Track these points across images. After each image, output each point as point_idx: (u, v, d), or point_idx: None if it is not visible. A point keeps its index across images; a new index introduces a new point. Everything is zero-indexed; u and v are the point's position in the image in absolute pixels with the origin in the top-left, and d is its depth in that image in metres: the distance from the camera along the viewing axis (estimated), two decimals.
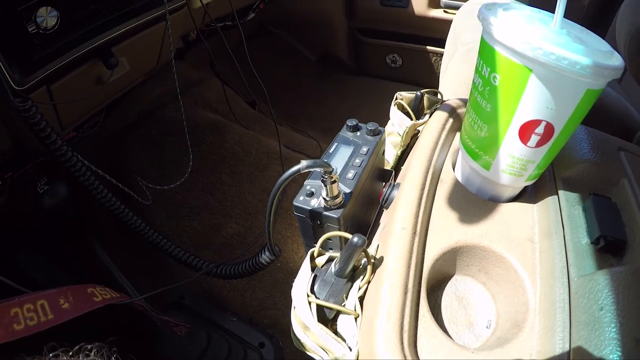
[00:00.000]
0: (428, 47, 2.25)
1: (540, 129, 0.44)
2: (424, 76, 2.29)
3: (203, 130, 1.73)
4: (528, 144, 0.46)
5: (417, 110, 0.71)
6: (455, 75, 1.21)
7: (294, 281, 0.48)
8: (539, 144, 0.45)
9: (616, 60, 0.41)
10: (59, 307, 0.75)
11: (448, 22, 1.69)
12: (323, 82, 2.50)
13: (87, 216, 1.40)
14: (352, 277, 0.47)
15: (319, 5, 2.35)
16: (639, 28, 0.79)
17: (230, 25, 1.96)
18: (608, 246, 0.44)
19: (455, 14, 1.88)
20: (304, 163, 0.44)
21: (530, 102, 0.42)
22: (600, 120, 0.92)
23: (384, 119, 0.71)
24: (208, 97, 1.92)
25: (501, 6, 0.47)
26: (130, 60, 1.07)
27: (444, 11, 2.12)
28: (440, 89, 1.35)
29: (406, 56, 2.36)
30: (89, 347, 0.43)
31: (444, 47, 1.62)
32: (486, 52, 0.45)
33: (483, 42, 0.45)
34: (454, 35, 1.54)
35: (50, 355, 0.40)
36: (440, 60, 2.20)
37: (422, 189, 0.51)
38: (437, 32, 2.11)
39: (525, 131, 0.45)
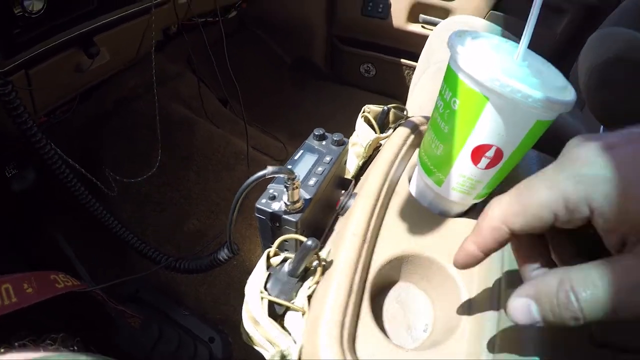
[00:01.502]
0: (402, 60, 2.31)
1: (490, 153, 0.47)
2: (396, 88, 2.34)
3: (175, 125, 1.73)
4: (478, 166, 0.49)
5: (382, 124, 0.74)
6: (424, 91, 1.25)
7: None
8: (489, 166, 0.49)
9: (569, 95, 0.44)
10: (23, 291, 0.76)
11: (424, 38, 1.74)
12: (297, 86, 2.54)
13: (52, 204, 1.39)
14: (304, 277, 0.50)
15: (301, 9, 2.39)
16: (599, 65, 0.82)
17: (211, 22, 1.97)
18: None
19: (432, 30, 1.94)
20: (269, 169, 0.46)
21: (484, 127, 0.45)
22: (554, 146, 0.96)
23: (352, 127, 0.74)
24: (183, 92, 1.93)
25: (470, 35, 0.49)
26: (110, 50, 1.08)
27: (422, 26, 2.18)
28: (408, 104, 1.39)
29: (380, 67, 2.41)
30: (55, 337, 0.45)
31: (417, 61, 1.66)
32: (450, 78, 0.48)
33: (449, 68, 0.48)
34: (428, 52, 1.58)
35: (16, 344, 0.42)
36: (413, 73, 2.26)
37: (377, 199, 0.54)
38: (413, 46, 2.15)
39: (476, 153, 0.48)
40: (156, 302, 1.34)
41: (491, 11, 2.02)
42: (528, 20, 0.46)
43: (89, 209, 1.00)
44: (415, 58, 1.71)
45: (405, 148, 0.64)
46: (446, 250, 0.51)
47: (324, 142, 0.62)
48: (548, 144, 0.64)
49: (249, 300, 0.48)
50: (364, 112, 0.73)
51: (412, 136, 0.66)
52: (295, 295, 0.48)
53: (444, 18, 2.05)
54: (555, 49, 1.96)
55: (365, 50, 2.40)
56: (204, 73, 2.06)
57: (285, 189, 0.50)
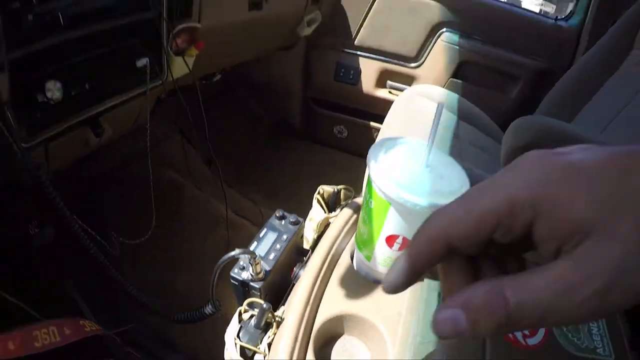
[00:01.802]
0: (371, 123, 2.48)
1: (399, 240, 0.63)
2: (365, 149, 2.39)
3: (164, 188, 1.88)
4: (393, 248, 0.65)
5: (334, 202, 0.92)
6: None
7: None
8: (400, 249, 0.64)
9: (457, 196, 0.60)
10: (64, 332, 0.97)
11: (391, 102, 1.91)
12: (276, 146, 2.71)
13: (65, 257, 1.56)
14: (266, 328, 0.67)
15: (280, 73, 2.56)
16: (512, 152, 0.99)
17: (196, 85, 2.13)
18: None
19: (398, 95, 2.09)
20: (237, 251, 0.65)
21: (390, 223, 0.62)
22: None
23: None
24: (171, 154, 2.09)
25: (388, 145, 0.65)
26: (112, 125, 1.24)
27: (389, 92, 2.36)
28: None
29: (351, 129, 2.57)
30: None
31: None
32: (369, 184, 0.63)
33: (369, 176, 0.63)
34: (390, 118, 1.76)
35: None
36: None
37: (319, 272, 0.72)
38: (381, 110, 2.23)
39: (389, 240, 0.64)
40: (154, 348, 1.51)
41: (450, 79, 2.22)
42: (430, 132, 0.60)
43: (99, 264, 1.17)
44: (383, 121, 1.86)
45: (347, 227, 0.82)
46: (378, 312, 0.68)
47: (283, 222, 0.81)
48: None
49: (227, 347, 0.66)
50: (318, 192, 0.91)
51: (355, 216, 0.85)
52: (260, 342, 0.66)
53: (409, 84, 2.28)
54: (510, 112, 2.12)
55: (338, 113, 2.56)
56: (189, 135, 2.22)
57: (250, 264, 0.68)
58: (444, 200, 0.53)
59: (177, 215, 1.88)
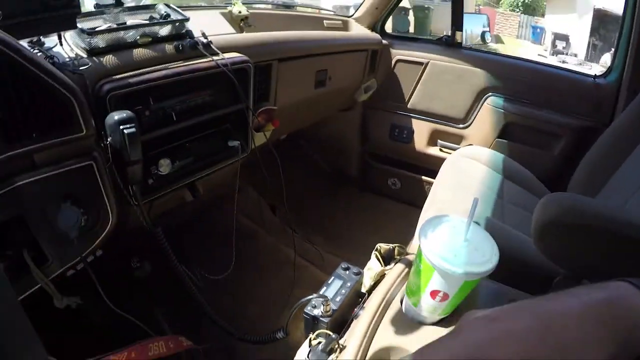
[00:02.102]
0: (423, 177, 2.63)
1: (441, 294, 0.80)
2: (418, 200, 2.48)
3: (241, 233, 2.07)
4: (435, 300, 0.82)
5: (389, 256, 1.10)
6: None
7: (295, 353, 0.89)
8: (442, 300, 0.82)
9: (487, 266, 0.74)
10: (169, 345, 1.20)
11: (442, 159, 2.07)
12: (336, 195, 2.91)
13: (157, 286, 1.80)
14: (330, 353, 0.85)
15: (340, 131, 2.79)
16: (539, 227, 1.07)
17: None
18: None
19: (450, 153, 2.26)
20: (314, 295, 0.86)
21: (434, 281, 0.79)
22: (522, 270, 1.27)
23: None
24: (246, 204, 2.34)
25: (435, 223, 0.82)
26: (204, 186, 1.50)
27: (440, 149, 2.51)
28: (420, 220, 1.67)
29: (404, 182, 2.74)
30: None
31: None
32: (419, 251, 0.81)
33: (419, 247, 0.81)
34: (442, 176, 1.91)
35: None
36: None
37: (376, 311, 0.90)
38: (433, 165, 2.43)
39: (433, 294, 0.81)
40: None
41: (497, 139, 2.35)
42: (468, 218, 0.79)
43: (185, 293, 1.40)
44: (434, 175, 2.02)
45: (399, 279, 1.00)
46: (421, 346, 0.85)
47: (347, 272, 1.00)
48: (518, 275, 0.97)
49: None
50: (376, 249, 1.09)
51: (406, 270, 1.03)
52: None
53: (458, 143, 2.44)
54: (554, 169, 2.24)
55: (392, 167, 2.74)
56: (261, 188, 2.46)
57: (322, 304, 0.88)
58: (476, 269, 0.74)
59: (251, 256, 2.12)
